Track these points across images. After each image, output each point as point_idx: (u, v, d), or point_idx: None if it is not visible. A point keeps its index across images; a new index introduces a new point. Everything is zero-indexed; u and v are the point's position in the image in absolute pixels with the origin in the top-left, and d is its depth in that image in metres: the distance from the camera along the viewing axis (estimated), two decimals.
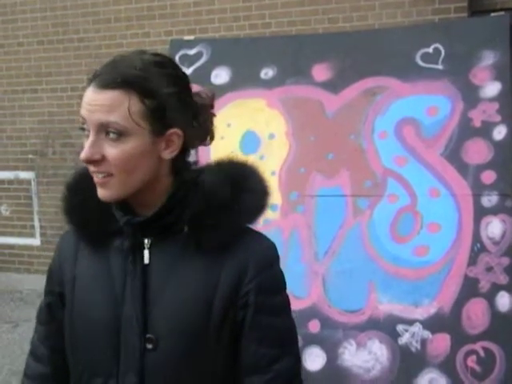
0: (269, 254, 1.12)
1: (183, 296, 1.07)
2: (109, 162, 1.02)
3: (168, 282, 1.08)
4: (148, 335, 1.06)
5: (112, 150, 1.01)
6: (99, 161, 1.02)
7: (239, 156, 1.19)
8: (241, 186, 1.11)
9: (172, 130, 1.06)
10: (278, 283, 1.12)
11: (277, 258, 1.13)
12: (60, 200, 1.18)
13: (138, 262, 1.09)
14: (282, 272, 1.13)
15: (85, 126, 1.03)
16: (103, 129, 1.01)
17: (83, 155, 1.02)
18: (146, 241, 1.09)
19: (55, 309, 1.19)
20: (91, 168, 1.04)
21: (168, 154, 1.07)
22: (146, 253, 1.09)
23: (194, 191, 1.09)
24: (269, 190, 1.15)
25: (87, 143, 1.02)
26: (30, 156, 5.68)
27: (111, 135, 1.01)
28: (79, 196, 1.15)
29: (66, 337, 1.15)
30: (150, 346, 1.06)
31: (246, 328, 1.08)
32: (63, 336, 1.16)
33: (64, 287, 1.16)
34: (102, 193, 1.05)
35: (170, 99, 1.05)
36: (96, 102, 1.00)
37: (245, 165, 1.17)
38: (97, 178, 1.04)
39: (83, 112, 1.02)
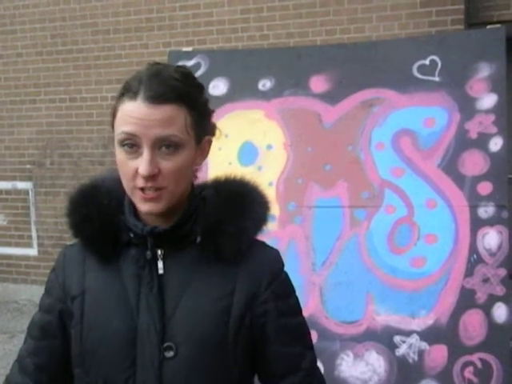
0: (279, 261, 1.18)
1: (200, 305, 1.09)
2: (163, 175, 1.03)
3: (184, 292, 1.10)
4: (167, 344, 1.08)
5: (167, 164, 1.02)
6: (156, 176, 1.02)
7: (236, 172, 1.22)
8: (251, 198, 1.16)
9: (206, 138, 1.11)
10: (290, 285, 1.18)
11: (283, 263, 1.19)
12: (65, 215, 1.17)
13: (153, 273, 1.10)
14: (288, 274, 1.19)
15: (129, 142, 1.02)
16: (158, 143, 1.02)
17: (145, 172, 1.00)
18: (159, 252, 1.10)
19: (50, 327, 1.17)
20: (147, 184, 1.03)
21: (200, 161, 1.12)
22: (161, 263, 1.10)
23: (202, 204, 1.13)
24: (270, 201, 1.20)
25: (145, 159, 1.01)
26: (28, 166, 5.69)
27: (168, 149, 1.02)
28: (84, 209, 1.14)
29: (76, 352, 1.13)
30: (169, 355, 1.07)
31: (269, 334, 1.13)
32: (52, 354, 1.16)
33: (67, 304, 1.15)
34: (152, 207, 1.05)
35: (204, 108, 1.10)
36: (153, 117, 1.00)
37: (245, 179, 1.21)
38: (149, 194, 1.04)
39: (133, 128, 1.01)
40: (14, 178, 5.77)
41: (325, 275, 2.73)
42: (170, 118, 1.01)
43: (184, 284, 1.10)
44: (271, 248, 1.19)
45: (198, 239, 1.11)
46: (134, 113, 1.01)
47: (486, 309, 2.50)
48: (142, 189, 1.04)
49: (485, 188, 2.63)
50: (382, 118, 2.90)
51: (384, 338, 2.58)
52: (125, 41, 5.15)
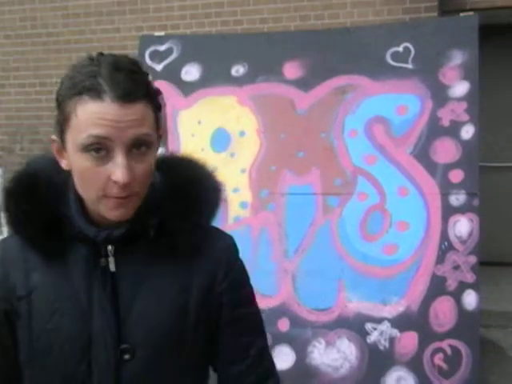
0: (234, 249, 1.13)
1: (157, 303, 1.03)
2: (136, 180, 0.94)
3: (138, 290, 1.03)
4: (123, 346, 1.01)
5: (140, 166, 0.94)
6: (131, 182, 0.93)
7: (182, 153, 1.14)
8: (203, 185, 1.09)
9: (160, 131, 1.02)
10: (245, 274, 1.14)
11: (238, 249, 1.14)
12: (2, 209, 1.05)
13: (106, 272, 1.02)
14: (243, 261, 1.14)
15: (96, 146, 0.91)
16: (131, 145, 0.93)
17: (123, 180, 0.91)
18: (109, 247, 1.02)
19: None
20: (123, 192, 0.94)
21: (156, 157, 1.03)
22: (112, 260, 1.02)
23: (152, 193, 1.03)
24: (222, 185, 1.12)
25: (122, 165, 0.91)
26: None
27: (140, 149, 0.94)
28: (24, 204, 1.03)
29: (25, 355, 1.06)
30: (126, 357, 1.01)
31: (223, 324, 1.09)
32: (4, 354, 1.07)
33: (13, 303, 1.05)
34: (121, 213, 0.96)
35: (158, 100, 1.01)
36: (127, 118, 0.91)
37: (193, 161, 1.13)
38: (120, 199, 0.95)
39: (105, 131, 0.90)
40: None
41: (297, 262, 2.72)
42: (143, 117, 0.93)
43: (138, 282, 1.03)
44: (225, 235, 1.13)
45: (152, 233, 1.03)
46: (104, 115, 0.90)
47: (457, 296, 2.52)
48: (114, 196, 0.94)
49: (456, 176, 2.64)
50: (355, 105, 2.89)
51: (356, 325, 2.58)
52: (96, 24, 5.04)
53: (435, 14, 4.04)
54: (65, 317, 1.02)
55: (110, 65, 0.93)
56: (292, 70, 3.04)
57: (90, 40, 5.06)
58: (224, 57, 3.15)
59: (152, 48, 3.32)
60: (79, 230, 1.01)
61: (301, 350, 2.60)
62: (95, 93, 0.91)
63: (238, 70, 3.13)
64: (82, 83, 0.92)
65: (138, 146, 0.94)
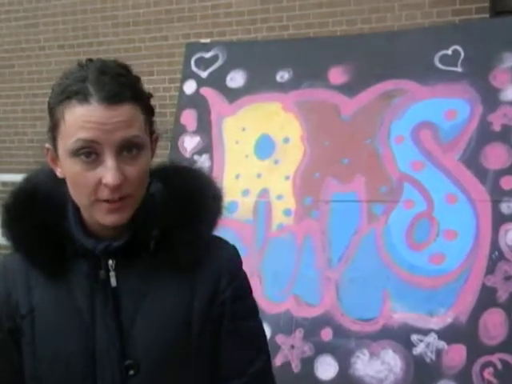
0: (237, 260, 1.12)
1: (159, 317, 1.02)
2: (128, 182, 0.95)
3: (140, 305, 1.03)
4: (128, 361, 1.01)
5: (132, 169, 0.95)
6: (122, 184, 0.94)
7: (179, 161, 1.15)
8: (203, 194, 1.08)
9: (155, 135, 1.04)
10: (248, 285, 1.12)
11: (241, 260, 1.12)
12: (1, 226, 1.06)
13: (107, 287, 1.02)
14: (246, 273, 1.13)
15: (86, 151, 0.92)
16: (121, 147, 0.94)
17: (113, 182, 0.91)
18: (110, 262, 1.01)
19: (4, 345, 1.06)
20: (114, 194, 0.94)
21: (151, 162, 1.03)
22: (113, 275, 1.02)
23: (152, 204, 1.03)
24: (222, 192, 1.12)
25: (111, 168, 0.92)
26: None
27: (131, 152, 0.95)
28: (24, 221, 1.03)
29: (30, 373, 1.05)
30: (131, 373, 1.01)
31: (223, 336, 1.07)
32: (14, 371, 1.06)
33: (16, 321, 1.05)
34: (115, 218, 0.96)
35: (150, 103, 1.03)
36: (113, 120, 0.92)
37: (192, 169, 1.13)
38: (113, 204, 0.95)
39: (92, 134, 0.91)
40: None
41: (341, 271, 2.67)
42: (130, 119, 0.94)
43: (140, 296, 1.03)
44: (228, 244, 1.12)
45: (152, 245, 1.03)
46: (90, 117, 0.91)
47: (508, 308, 2.41)
48: (107, 200, 0.95)
49: (508, 182, 2.54)
50: (402, 110, 2.83)
51: (401, 337, 2.51)
52: (145, 33, 5.13)
53: (487, 15, 3.92)
54: (68, 334, 1.02)
55: (97, 69, 0.95)
56: (337, 75, 3.00)
57: (138, 48, 5.16)
58: (269, 63, 3.15)
59: (198, 55, 3.34)
60: (80, 244, 1.01)
61: (344, 361, 2.55)
62: (82, 96, 0.92)
63: (282, 75, 3.11)
64: (69, 88, 0.94)
65: (128, 149, 0.94)
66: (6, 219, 1.06)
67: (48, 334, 1.03)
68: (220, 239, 1.12)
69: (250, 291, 1.13)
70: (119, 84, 0.94)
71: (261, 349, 1.13)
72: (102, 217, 0.97)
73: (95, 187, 0.94)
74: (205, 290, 1.05)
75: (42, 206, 1.04)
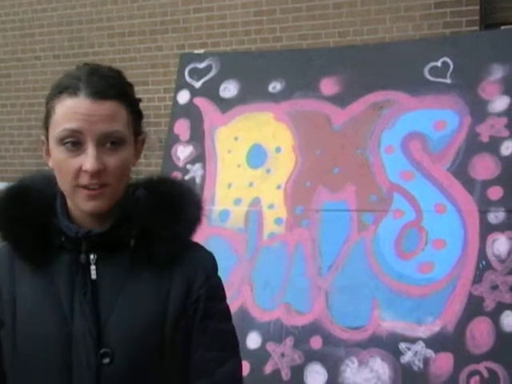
0: (213, 264, 1.19)
1: (135, 310, 1.08)
2: (107, 171, 1.03)
3: (118, 296, 1.09)
4: (103, 350, 1.06)
5: (111, 160, 1.03)
6: (101, 172, 1.02)
7: (166, 174, 1.26)
8: (184, 200, 1.15)
9: (140, 137, 1.13)
10: (222, 290, 1.19)
11: (217, 267, 1.19)
12: None
13: (87, 278, 1.08)
14: (222, 281, 1.20)
15: (71, 140, 1.02)
16: (103, 139, 1.03)
17: (91, 167, 1.00)
18: (91, 256, 1.09)
19: None
20: (92, 180, 1.02)
21: (135, 162, 1.12)
22: (93, 268, 1.09)
23: (136, 205, 1.12)
24: (202, 201, 1.20)
25: (91, 155, 1.01)
26: None
27: (112, 145, 1.04)
28: (13, 211, 1.11)
29: (8, 361, 1.11)
30: (106, 361, 1.06)
31: (195, 333, 1.12)
32: None
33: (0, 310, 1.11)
34: (95, 205, 1.04)
35: (138, 107, 1.12)
36: (97, 113, 1.01)
37: (176, 181, 1.22)
38: (92, 191, 1.04)
39: (77, 125, 1.01)
40: None
41: (331, 280, 2.69)
42: (113, 114, 1.03)
43: (118, 289, 1.09)
44: (206, 251, 1.19)
45: (132, 242, 1.11)
46: (77, 109, 1.01)
47: (494, 317, 2.43)
48: (86, 186, 1.03)
49: (495, 193, 2.57)
50: (392, 121, 2.86)
51: (389, 345, 2.53)
52: (140, 43, 5.18)
53: (477, 28, 3.97)
54: (47, 320, 1.08)
55: (90, 70, 1.06)
56: (329, 85, 3.03)
57: (133, 58, 5.21)
58: (262, 73, 3.18)
59: (191, 65, 3.37)
60: (65, 235, 1.08)
61: (333, 369, 2.56)
62: (72, 90, 1.02)
63: (275, 86, 3.15)
64: (62, 84, 1.04)
65: (110, 142, 1.03)
66: None
67: (28, 321, 1.09)
68: (198, 244, 1.19)
69: (225, 297, 1.19)
70: (107, 83, 1.05)
71: (232, 352, 1.17)
72: (83, 203, 1.05)
73: (76, 173, 1.03)
74: (181, 286, 1.11)
75: (33, 199, 1.12)
